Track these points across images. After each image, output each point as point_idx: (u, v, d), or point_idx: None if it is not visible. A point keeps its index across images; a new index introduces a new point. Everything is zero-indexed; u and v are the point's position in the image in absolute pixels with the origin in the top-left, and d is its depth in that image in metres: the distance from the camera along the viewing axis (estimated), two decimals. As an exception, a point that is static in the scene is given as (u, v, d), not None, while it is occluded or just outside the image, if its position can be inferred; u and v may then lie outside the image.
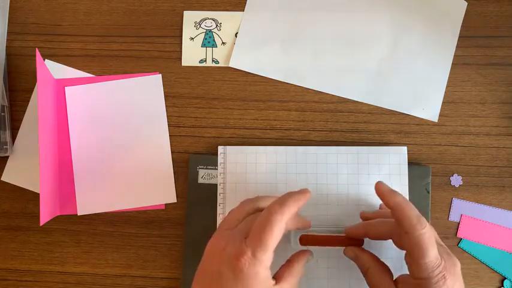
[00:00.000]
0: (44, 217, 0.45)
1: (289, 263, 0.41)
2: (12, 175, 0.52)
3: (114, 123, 0.52)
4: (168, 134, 0.52)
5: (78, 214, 0.51)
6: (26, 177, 0.52)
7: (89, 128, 0.52)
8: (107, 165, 0.51)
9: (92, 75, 0.53)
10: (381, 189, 0.41)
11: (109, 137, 0.52)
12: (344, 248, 0.44)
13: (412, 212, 0.38)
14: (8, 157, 0.52)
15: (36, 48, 0.47)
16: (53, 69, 0.52)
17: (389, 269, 0.41)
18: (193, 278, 0.39)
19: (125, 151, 0.51)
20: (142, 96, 0.52)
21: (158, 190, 0.51)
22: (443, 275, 0.37)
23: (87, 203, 0.51)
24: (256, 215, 0.40)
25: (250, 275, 0.35)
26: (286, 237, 0.48)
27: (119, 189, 0.51)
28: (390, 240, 0.41)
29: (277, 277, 0.39)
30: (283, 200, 0.38)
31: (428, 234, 0.37)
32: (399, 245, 0.40)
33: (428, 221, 0.48)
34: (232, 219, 0.40)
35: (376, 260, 0.42)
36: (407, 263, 0.39)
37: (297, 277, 0.40)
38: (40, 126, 0.45)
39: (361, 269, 0.43)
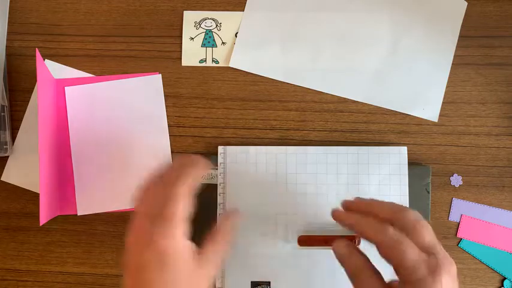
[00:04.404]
0: (44, 217, 0.45)
1: (213, 230, 0.40)
2: (12, 175, 0.52)
3: (114, 123, 0.52)
4: (168, 134, 0.52)
5: (78, 214, 0.51)
6: (26, 177, 0.52)
7: (88, 128, 0.52)
8: (107, 165, 0.51)
9: (91, 75, 0.53)
10: (335, 216, 0.40)
11: (109, 137, 0.52)
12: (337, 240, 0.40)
13: (368, 227, 0.36)
14: (8, 157, 0.52)
15: (36, 48, 0.47)
16: (53, 69, 0.52)
17: (380, 274, 0.38)
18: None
19: (124, 151, 0.51)
20: (142, 96, 0.52)
21: (158, 190, 0.51)
22: (435, 269, 0.34)
23: (87, 203, 0.51)
24: (157, 192, 0.37)
25: (170, 252, 0.35)
26: (283, 237, 0.48)
27: (118, 189, 0.51)
28: None
29: (202, 246, 0.38)
30: (178, 170, 0.37)
31: (395, 238, 0.35)
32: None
33: (428, 221, 0.48)
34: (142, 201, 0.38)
35: (369, 262, 0.38)
36: (396, 275, 0.36)
37: (222, 243, 0.39)
38: (40, 126, 0.45)
39: (348, 271, 0.38)
